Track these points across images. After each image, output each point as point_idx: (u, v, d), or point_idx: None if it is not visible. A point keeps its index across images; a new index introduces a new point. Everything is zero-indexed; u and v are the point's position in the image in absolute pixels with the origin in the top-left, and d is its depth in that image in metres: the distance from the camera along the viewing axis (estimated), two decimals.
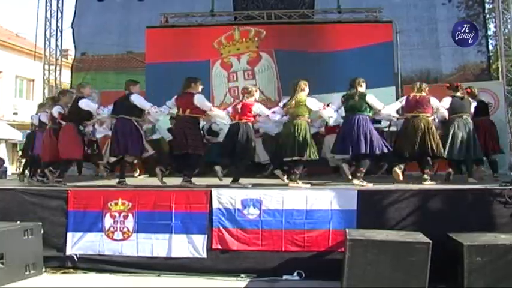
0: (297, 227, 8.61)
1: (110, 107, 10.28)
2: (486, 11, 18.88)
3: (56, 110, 10.94)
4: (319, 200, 8.67)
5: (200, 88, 10.05)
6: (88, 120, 10.55)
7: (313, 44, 16.79)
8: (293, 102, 9.88)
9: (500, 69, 16.77)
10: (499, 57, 16.78)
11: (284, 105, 10.08)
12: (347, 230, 7.91)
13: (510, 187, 8.55)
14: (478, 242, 7.23)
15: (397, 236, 7.67)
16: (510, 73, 16.12)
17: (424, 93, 10.22)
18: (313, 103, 9.91)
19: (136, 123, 10.05)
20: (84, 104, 10.27)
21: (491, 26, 19.88)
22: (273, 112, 10.23)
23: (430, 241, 7.19)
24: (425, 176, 9.91)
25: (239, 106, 10.09)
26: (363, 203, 8.56)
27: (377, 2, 17.53)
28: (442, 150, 10.01)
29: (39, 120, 11.92)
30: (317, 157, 9.88)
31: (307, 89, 10.02)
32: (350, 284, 7.17)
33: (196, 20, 18.04)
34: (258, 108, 10.16)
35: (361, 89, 10.00)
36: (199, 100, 9.79)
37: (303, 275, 8.34)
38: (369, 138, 9.58)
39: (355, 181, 9.57)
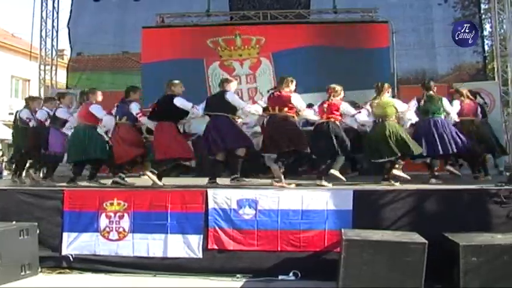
0: (293, 227, 8.61)
1: (203, 105, 10.23)
2: (482, 11, 18.89)
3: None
4: (315, 200, 8.67)
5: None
6: (181, 118, 10.40)
7: (309, 42, 16.84)
8: (378, 102, 10.00)
9: (495, 70, 16.79)
10: (495, 57, 16.82)
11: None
12: (343, 230, 7.92)
13: (506, 187, 8.57)
14: (474, 242, 7.25)
15: (393, 236, 7.68)
16: (506, 73, 16.15)
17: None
18: (400, 104, 10.17)
19: (232, 120, 10.06)
20: (179, 102, 10.05)
21: (487, 27, 19.97)
22: (359, 112, 10.26)
23: (426, 241, 7.20)
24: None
25: (325, 105, 10.06)
26: (358, 203, 8.55)
27: (373, 2, 17.55)
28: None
29: (54, 115, 11.60)
30: (421, 150, 9.97)
31: (390, 91, 10.34)
32: (346, 284, 7.18)
33: (192, 20, 18.03)
34: (345, 107, 10.17)
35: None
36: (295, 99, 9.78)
37: (299, 275, 8.34)
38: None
39: (321, 181, 9.61)
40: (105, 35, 18.98)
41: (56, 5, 18.59)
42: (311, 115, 10.17)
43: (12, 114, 12.33)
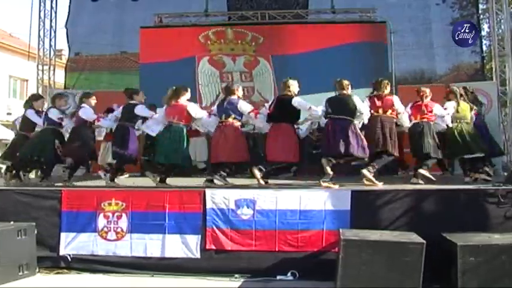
0: (291, 227, 8.61)
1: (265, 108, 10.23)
2: (480, 12, 18.96)
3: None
4: (313, 200, 8.67)
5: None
6: (298, 119, 10.21)
7: (307, 44, 16.84)
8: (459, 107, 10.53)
9: (494, 70, 16.80)
10: (493, 57, 16.82)
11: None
12: (341, 230, 7.92)
13: (503, 187, 8.57)
14: (472, 242, 7.25)
15: (391, 236, 7.68)
16: (503, 73, 16.15)
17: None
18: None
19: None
20: (296, 102, 9.84)
21: (485, 27, 19.95)
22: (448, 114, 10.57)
23: (424, 241, 7.20)
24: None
25: (423, 107, 10.33)
26: (356, 203, 8.56)
27: (371, 2, 17.57)
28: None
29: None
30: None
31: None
32: (344, 284, 7.18)
33: (190, 20, 18.06)
34: (437, 109, 10.40)
35: None
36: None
37: (297, 275, 8.34)
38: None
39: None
40: (103, 35, 18.98)
41: (54, 5, 18.59)
42: (406, 118, 10.35)
43: (10, 114, 12.28)
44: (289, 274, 8.35)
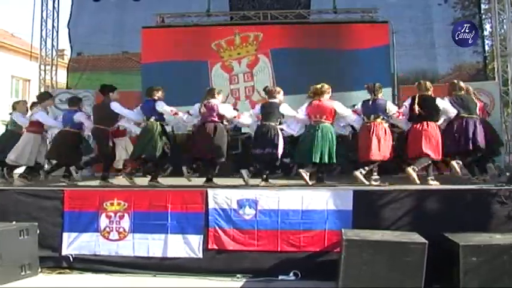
0: (293, 227, 8.62)
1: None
2: (482, 12, 18.85)
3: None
4: (315, 200, 8.68)
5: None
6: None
7: (308, 42, 16.83)
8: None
9: (496, 70, 16.77)
10: (495, 57, 16.80)
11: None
12: (343, 230, 7.92)
13: (506, 187, 8.57)
14: (474, 242, 7.25)
15: (393, 236, 7.68)
16: (506, 73, 16.13)
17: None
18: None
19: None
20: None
21: (487, 27, 19.96)
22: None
23: (426, 241, 7.20)
24: None
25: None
26: (358, 203, 8.57)
27: (373, 2, 17.53)
28: None
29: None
30: None
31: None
32: (346, 284, 7.18)
33: (192, 20, 18.01)
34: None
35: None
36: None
37: (299, 275, 8.36)
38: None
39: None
40: (105, 35, 18.97)
41: (56, 5, 18.56)
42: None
43: (12, 114, 12.28)
44: (291, 274, 8.37)
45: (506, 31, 16.31)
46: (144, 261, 8.84)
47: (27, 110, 12.27)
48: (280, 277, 8.36)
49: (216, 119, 10.04)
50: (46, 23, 18.28)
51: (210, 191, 8.94)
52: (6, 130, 12.08)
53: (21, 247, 8.41)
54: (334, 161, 9.78)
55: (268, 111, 10.10)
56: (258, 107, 10.45)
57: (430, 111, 9.84)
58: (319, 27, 17.55)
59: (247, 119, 10.54)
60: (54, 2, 18.48)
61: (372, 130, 9.79)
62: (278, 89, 10.41)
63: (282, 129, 10.12)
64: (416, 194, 8.64)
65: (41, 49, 18.32)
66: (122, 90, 15.62)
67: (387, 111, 10.00)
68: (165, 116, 10.49)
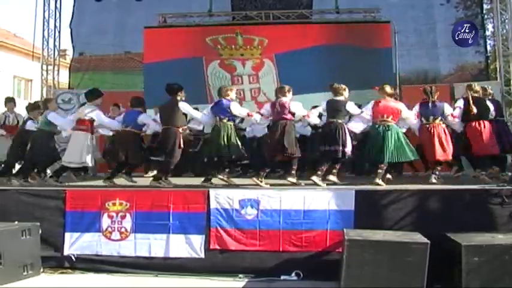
0: (295, 227, 8.62)
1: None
2: (484, 12, 18.88)
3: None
4: (317, 200, 8.68)
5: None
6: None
7: (310, 42, 16.88)
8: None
9: (498, 70, 16.80)
10: (497, 57, 16.81)
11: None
12: (345, 230, 7.93)
13: (508, 187, 8.56)
14: (476, 242, 7.24)
15: (395, 236, 7.68)
16: (508, 73, 16.14)
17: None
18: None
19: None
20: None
21: (489, 27, 19.94)
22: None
23: (428, 241, 7.20)
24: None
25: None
26: (360, 203, 8.57)
27: (375, 2, 17.55)
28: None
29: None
30: None
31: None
32: (348, 284, 7.18)
33: (194, 20, 18.05)
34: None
35: None
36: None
37: (301, 275, 8.35)
38: None
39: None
40: (107, 35, 19.01)
41: (58, 5, 18.62)
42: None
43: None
44: (293, 274, 8.36)
45: (508, 31, 16.33)
46: (146, 261, 8.84)
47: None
48: (282, 277, 8.36)
49: (287, 117, 9.95)
50: (48, 23, 18.32)
51: (212, 191, 8.94)
52: (38, 130, 11.64)
53: (23, 247, 8.41)
54: (406, 159, 10.02)
55: (335, 108, 10.13)
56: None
57: (483, 110, 10.27)
58: (321, 28, 17.57)
59: (316, 118, 10.53)
60: (56, 2, 18.54)
61: (432, 131, 10.02)
62: (344, 86, 10.39)
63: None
64: (418, 194, 8.64)
65: (43, 49, 18.35)
66: (123, 91, 15.71)
67: (444, 113, 10.21)
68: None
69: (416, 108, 10.38)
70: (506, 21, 16.42)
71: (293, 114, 10.00)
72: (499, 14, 16.43)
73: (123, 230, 8.96)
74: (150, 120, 10.85)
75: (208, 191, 8.93)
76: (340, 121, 9.99)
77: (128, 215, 9.00)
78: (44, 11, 18.28)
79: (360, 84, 14.60)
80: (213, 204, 8.84)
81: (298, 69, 16.19)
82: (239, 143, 10.06)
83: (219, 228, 8.78)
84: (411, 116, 10.30)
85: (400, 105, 10.19)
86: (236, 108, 10.17)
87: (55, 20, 18.55)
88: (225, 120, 10.02)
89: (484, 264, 7.02)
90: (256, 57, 17.39)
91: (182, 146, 10.11)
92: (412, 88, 16.06)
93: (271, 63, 17.23)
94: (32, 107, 12.05)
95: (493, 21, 17.69)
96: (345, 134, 9.89)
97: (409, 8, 18.02)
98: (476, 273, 7.02)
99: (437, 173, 10.00)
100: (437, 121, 10.09)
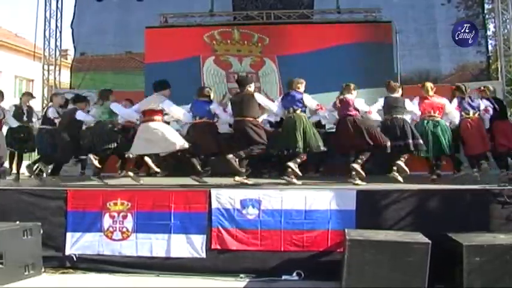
0: (296, 227, 8.60)
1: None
2: (485, 11, 18.94)
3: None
4: (318, 200, 8.66)
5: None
6: None
7: (312, 43, 16.88)
8: None
9: (499, 70, 16.84)
10: (498, 57, 16.85)
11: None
12: (346, 230, 7.91)
13: (509, 187, 8.56)
14: (477, 242, 7.23)
15: (396, 236, 7.66)
16: (509, 73, 16.20)
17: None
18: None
19: None
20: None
21: (491, 26, 19.96)
22: None
23: (429, 241, 7.19)
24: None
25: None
26: (362, 203, 8.55)
27: (376, 2, 17.57)
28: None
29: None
30: None
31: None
32: (349, 284, 7.17)
33: (196, 20, 18.07)
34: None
35: None
36: None
37: (302, 275, 8.33)
38: None
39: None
40: (108, 35, 19.06)
41: (59, 5, 18.68)
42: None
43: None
44: (294, 274, 8.34)
45: (509, 31, 16.38)
46: (147, 261, 8.83)
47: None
48: (283, 277, 8.34)
49: (352, 113, 10.15)
50: (49, 23, 18.39)
51: (213, 191, 8.92)
52: (98, 122, 11.41)
53: (24, 247, 8.40)
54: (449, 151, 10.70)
55: (395, 105, 10.42)
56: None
57: (502, 110, 11.38)
58: (322, 28, 17.58)
59: (377, 115, 10.63)
60: (57, 2, 18.61)
61: (471, 125, 10.89)
62: (398, 84, 11.01)
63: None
64: (419, 194, 8.63)
65: (44, 49, 18.42)
66: (125, 90, 15.71)
67: (480, 108, 11.02)
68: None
69: (455, 102, 11.01)
70: (508, 21, 16.47)
71: (358, 110, 10.24)
72: (500, 14, 16.47)
73: (124, 229, 8.96)
74: (221, 111, 10.71)
75: (210, 191, 8.91)
76: (400, 116, 10.33)
77: (129, 214, 8.99)
78: (46, 11, 18.35)
79: (366, 84, 14.64)
80: (215, 204, 8.83)
81: (300, 71, 16.17)
82: (317, 134, 10.21)
83: (220, 228, 8.76)
84: (453, 110, 10.86)
85: (444, 100, 10.81)
86: (308, 100, 10.33)
87: (56, 20, 18.62)
88: (298, 111, 10.16)
89: (485, 264, 7.02)
90: (256, 55, 17.35)
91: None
92: (413, 88, 16.07)
93: (273, 64, 17.21)
94: (79, 99, 12.00)
95: (494, 21, 17.71)
96: (411, 127, 10.28)
97: (410, 8, 18.06)
98: (477, 273, 7.01)
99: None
100: (476, 115, 10.92)
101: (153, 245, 8.87)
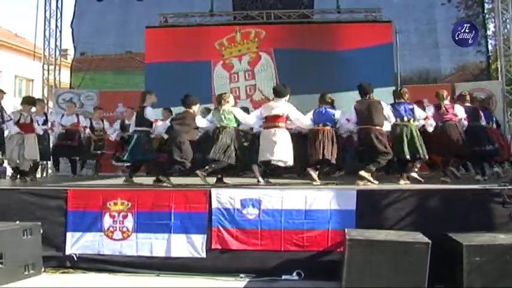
0: (296, 226, 8.60)
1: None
2: (485, 11, 18.94)
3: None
4: (319, 200, 8.66)
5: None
6: None
7: (312, 42, 16.87)
8: None
9: (499, 69, 16.83)
10: (498, 57, 16.84)
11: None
12: (346, 230, 7.91)
13: (509, 187, 8.56)
14: (477, 242, 7.23)
15: (396, 236, 7.66)
16: (509, 73, 16.19)
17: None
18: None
19: None
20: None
21: (491, 26, 19.95)
22: None
23: (429, 241, 7.19)
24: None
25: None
26: (362, 203, 8.55)
27: (376, 2, 17.57)
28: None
29: None
30: None
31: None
32: (349, 284, 7.17)
33: (196, 20, 18.08)
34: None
35: None
36: None
37: (302, 274, 8.33)
38: None
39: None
40: (109, 35, 19.05)
41: (59, 5, 18.67)
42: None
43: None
44: (294, 274, 8.34)
45: (509, 30, 16.38)
46: (147, 261, 8.83)
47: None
48: (283, 277, 8.34)
49: (454, 118, 10.71)
50: (49, 23, 18.38)
51: (214, 191, 8.93)
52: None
53: (24, 247, 8.39)
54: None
55: (474, 113, 11.06)
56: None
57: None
58: (322, 27, 17.58)
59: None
60: (57, 1, 18.61)
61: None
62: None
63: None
64: (420, 194, 8.64)
65: (44, 49, 18.40)
66: (125, 90, 15.72)
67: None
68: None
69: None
70: (508, 20, 16.46)
71: (455, 116, 10.66)
72: (500, 14, 16.45)
73: (124, 229, 8.95)
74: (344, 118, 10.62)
75: (210, 191, 8.91)
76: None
77: (129, 214, 8.99)
78: (45, 11, 18.34)
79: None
80: (215, 204, 8.83)
81: (298, 68, 16.20)
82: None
83: (220, 227, 8.76)
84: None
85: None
86: (418, 111, 10.49)
87: (56, 20, 18.60)
88: (411, 121, 10.31)
89: (485, 264, 7.02)
90: (252, 51, 17.41)
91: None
92: (413, 88, 16.08)
93: (268, 58, 17.22)
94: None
95: (495, 21, 17.68)
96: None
97: (410, 7, 18.08)
98: (477, 273, 7.01)
99: None
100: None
101: (154, 244, 8.87)
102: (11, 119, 11.41)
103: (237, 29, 17.53)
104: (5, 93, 11.65)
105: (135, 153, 10.82)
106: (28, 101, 12.52)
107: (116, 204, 9.05)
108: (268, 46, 17.32)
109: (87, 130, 14.33)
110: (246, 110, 11.30)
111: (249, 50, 17.36)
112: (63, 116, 14.35)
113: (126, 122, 14.20)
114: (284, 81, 14.85)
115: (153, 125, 10.90)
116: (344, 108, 10.75)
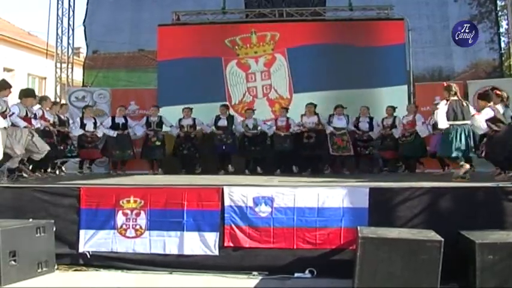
0: (309, 224, 8.60)
1: None
2: (498, 8, 18.80)
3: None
4: (331, 197, 8.65)
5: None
6: None
7: (324, 40, 16.86)
8: None
9: None
10: (511, 54, 16.73)
11: None
12: (359, 228, 7.89)
13: None
14: (490, 240, 7.21)
15: (409, 234, 7.63)
16: None
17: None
18: None
19: None
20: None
21: (504, 23, 19.86)
22: None
23: (442, 239, 7.17)
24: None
25: None
26: (374, 201, 8.53)
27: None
28: None
29: None
30: None
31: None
32: (361, 282, 7.16)
33: (208, 18, 18.08)
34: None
35: None
36: None
37: (315, 272, 8.33)
38: None
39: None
40: (121, 33, 19.06)
41: (71, 3, 18.73)
42: None
43: None
44: (306, 272, 8.35)
45: None
46: (160, 259, 8.85)
47: None
48: (296, 274, 8.34)
49: None
50: (62, 21, 18.44)
51: (226, 189, 8.92)
52: None
53: (37, 244, 8.42)
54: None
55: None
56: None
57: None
58: (334, 25, 17.56)
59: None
60: (70, 0, 18.57)
61: None
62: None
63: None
64: (432, 192, 8.59)
65: (56, 47, 18.47)
66: (137, 88, 15.76)
67: None
68: None
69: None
70: None
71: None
72: None
73: (137, 227, 8.97)
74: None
75: (223, 189, 8.92)
76: None
77: (142, 212, 9.01)
78: (58, 9, 18.41)
79: (375, 82, 14.63)
80: (227, 202, 8.84)
81: (310, 66, 16.22)
82: None
83: (233, 225, 8.77)
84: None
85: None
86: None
87: (69, 18, 18.68)
88: None
89: (498, 262, 7.00)
90: (268, 53, 17.42)
91: None
92: (425, 86, 16.06)
93: (282, 58, 17.25)
94: None
95: (507, 18, 17.61)
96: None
97: (423, 5, 18.00)
98: (490, 271, 6.99)
99: None
100: None
101: (166, 242, 8.89)
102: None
103: (252, 30, 17.51)
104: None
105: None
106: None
107: (128, 202, 9.06)
108: (282, 47, 17.35)
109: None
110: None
111: (265, 51, 17.38)
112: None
113: (151, 119, 14.62)
114: (296, 79, 14.91)
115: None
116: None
